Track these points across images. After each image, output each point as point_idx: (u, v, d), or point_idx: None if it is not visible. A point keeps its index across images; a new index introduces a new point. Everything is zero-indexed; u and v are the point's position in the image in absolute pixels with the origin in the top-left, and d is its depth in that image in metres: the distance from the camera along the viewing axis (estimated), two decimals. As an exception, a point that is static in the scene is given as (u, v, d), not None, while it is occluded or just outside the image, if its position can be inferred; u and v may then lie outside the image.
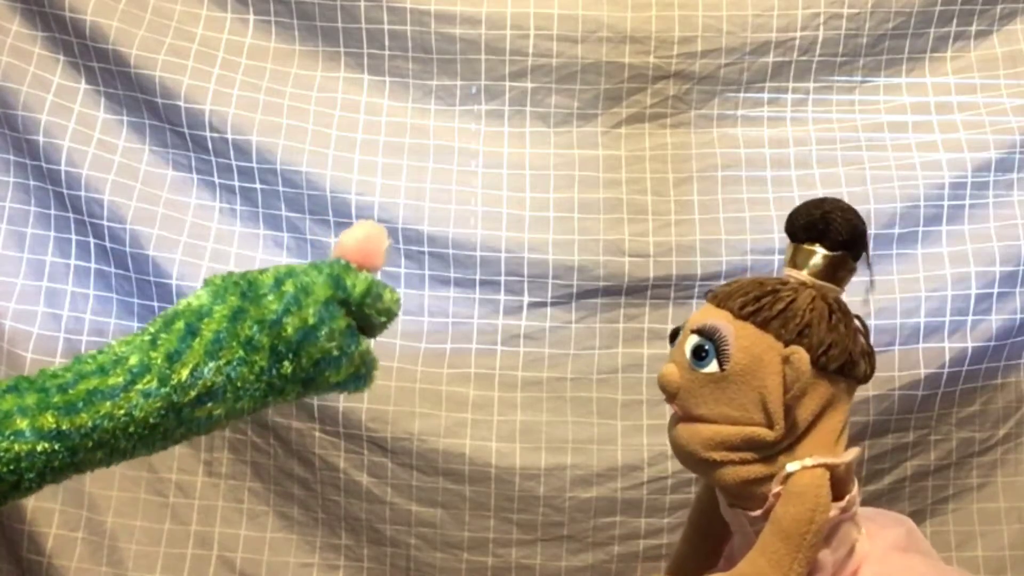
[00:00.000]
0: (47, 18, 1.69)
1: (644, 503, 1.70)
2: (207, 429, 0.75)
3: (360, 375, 0.79)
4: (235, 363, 0.74)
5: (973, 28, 1.72)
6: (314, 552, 1.75)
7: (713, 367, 1.06)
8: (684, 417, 1.09)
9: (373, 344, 0.82)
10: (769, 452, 1.06)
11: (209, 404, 0.73)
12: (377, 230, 0.82)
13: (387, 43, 1.72)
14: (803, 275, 1.10)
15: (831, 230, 1.09)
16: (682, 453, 1.10)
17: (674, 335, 1.12)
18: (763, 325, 1.05)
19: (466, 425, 1.71)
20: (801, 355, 1.03)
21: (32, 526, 1.69)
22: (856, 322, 1.10)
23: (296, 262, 1.78)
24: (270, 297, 0.76)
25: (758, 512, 1.07)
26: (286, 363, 0.75)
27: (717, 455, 1.06)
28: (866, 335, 1.11)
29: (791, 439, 1.05)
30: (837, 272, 1.11)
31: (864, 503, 1.69)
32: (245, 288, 0.77)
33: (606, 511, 1.71)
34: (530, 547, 1.72)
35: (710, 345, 1.06)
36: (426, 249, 1.71)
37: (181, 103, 1.69)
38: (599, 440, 1.71)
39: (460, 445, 1.71)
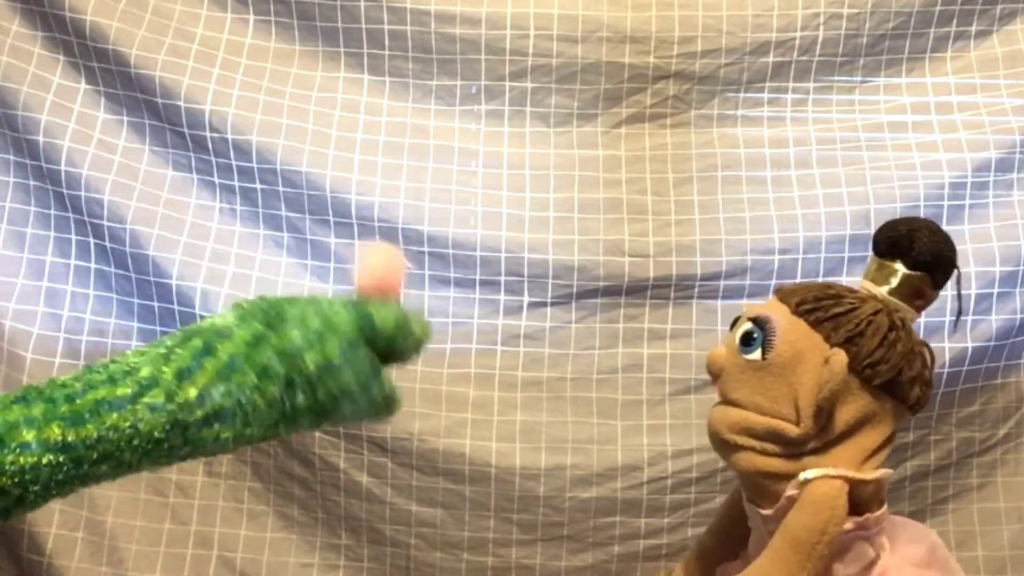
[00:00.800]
0: (47, 18, 1.69)
1: (644, 503, 1.70)
2: (215, 450, 0.74)
3: (378, 409, 0.78)
4: (247, 389, 0.72)
5: (973, 28, 1.72)
6: (314, 552, 1.75)
7: (756, 355, 1.07)
8: (722, 400, 1.11)
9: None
10: (791, 450, 1.05)
11: (217, 426, 0.72)
12: (392, 256, 0.81)
13: (387, 43, 1.72)
14: (876, 289, 1.10)
15: (914, 248, 1.09)
16: (710, 432, 1.11)
17: (735, 322, 1.13)
18: (815, 325, 1.06)
19: (466, 425, 1.71)
20: (840, 357, 1.03)
21: (32, 526, 1.69)
22: (921, 349, 1.09)
23: (296, 262, 1.79)
24: (294, 329, 0.74)
25: (770, 511, 1.07)
26: (300, 395, 0.74)
27: (739, 439, 1.07)
28: (928, 364, 1.10)
29: (820, 443, 1.05)
30: (914, 294, 1.10)
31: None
32: (271, 315, 0.75)
33: (606, 511, 1.71)
34: (530, 547, 1.72)
35: (759, 334, 1.07)
36: (426, 249, 1.71)
37: (181, 103, 1.69)
38: (599, 440, 1.71)
39: (460, 445, 1.71)
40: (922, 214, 1.69)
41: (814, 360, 1.04)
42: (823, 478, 1.03)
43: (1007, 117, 1.70)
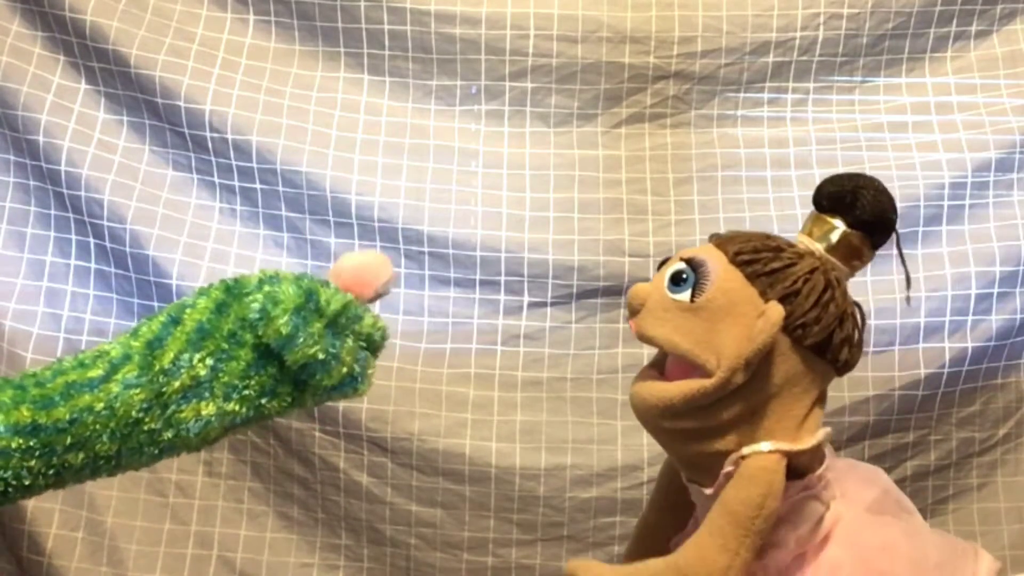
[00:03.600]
0: (47, 18, 1.69)
1: (644, 503, 1.70)
2: (197, 438, 0.72)
3: (354, 375, 0.77)
4: (220, 355, 0.72)
5: (973, 28, 1.72)
6: (314, 552, 1.75)
7: (684, 296, 1.03)
8: (637, 336, 1.06)
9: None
10: (715, 418, 1.01)
11: (196, 401, 0.71)
12: (379, 262, 0.81)
13: (387, 43, 1.72)
14: (815, 245, 1.07)
15: (857, 205, 1.06)
16: (638, 415, 1.08)
17: (663, 263, 1.09)
18: (751, 277, 1.02)
19: (466, 425, 1.71)
20: (777, 309, 0.99)
21: (32, 526, 1.69)
22: (853, 310, 1.06)
23: (296, 262, 1.79)
24: (250, 298, 0.74)
25: (711, 490, 1.05)
26: (272, 361, 0.73)
27: (667, 424, 1.04)
28: (860, 326, 1.07)
29: (749, 407, 1.01)
30: (851, 253, 1.07)
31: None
32: (231, 284, 0.75)
33: (606, 511, 1.71)
34: (530, 547, 1.72)
35: (690, 275, 1.03)
36: (426, 249, 1.71)
37: (181, 103, 1.69)
38: (599, 440, 1.71)
39: (460, 445, 1.71)
40: (922, 214, 1.69)
41: (746, 313, 1.00)
42: (757, 454, 1.00)
43: (1007, 117, 1.70)
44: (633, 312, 1.07)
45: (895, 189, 1.66)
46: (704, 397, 1.01)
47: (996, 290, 1.68)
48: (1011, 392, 1.73)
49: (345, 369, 0.76)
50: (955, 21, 1.71)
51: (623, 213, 1.72)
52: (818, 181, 1.68)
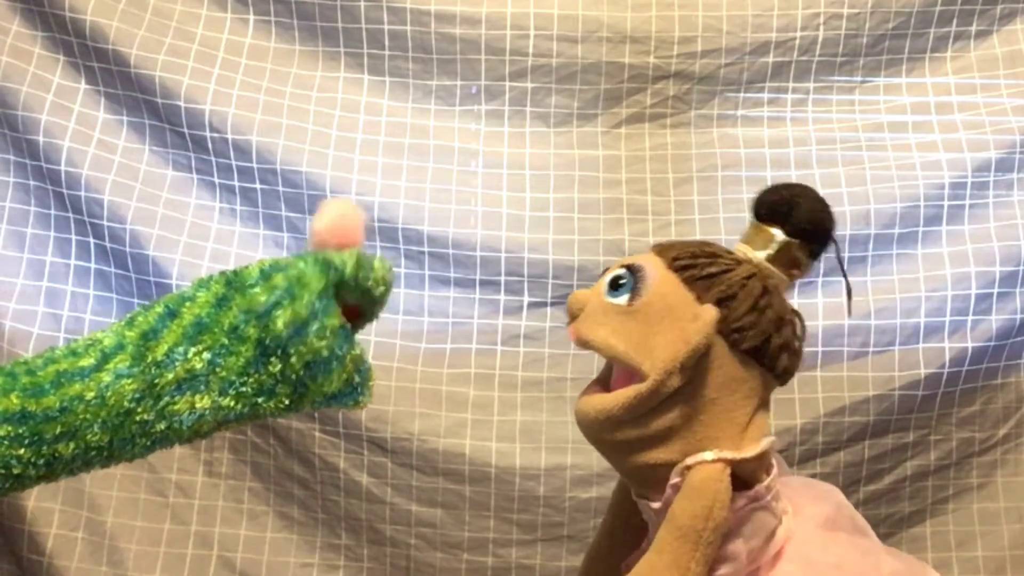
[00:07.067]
0: (47, 18, 1.69)
1: (644, 503, 1.70)
2: (191, 430, 0.70)
3: (355, 384, 0.76)
4: (218, 350, 0.70)
5: (973, 28, 1.72)
6: (314, 552, 1.75)
7: (622, 300, 1.04)
8: (576, 342, 1.07)
9: (372, 347, 0.80)
10: (656, 423, 1.01)
11: (190, 394, 0.69)
12: (348, 209, 0.79)
13: (387, 43, 1.72)
14: (753, 253, 1.07)
15: (794, 214, 1.07)
16: (582, 430, 1.09)
17: (605, 272, 1.10)
18: (688, 282, 1.03)
19: (466, 425, 1.71)
20: (711, 311, 1.00)
21: (32, 526, 1.69)
22: (793, 318, 1.06)
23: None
24: (257, 289, 0.72)
25: (658, 504, 1.04)
26: (274, 359, 0.71)
27: (608, 436, 1.04)
28: (798, 333, 1.07)
29: (690, 409, 1.01)
30: (790, 262, 1.07)
31: (864, 503, 1.70)
32: (231, 277, 0.74)
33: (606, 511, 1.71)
34: (530, 547, 1.72)
35: (629, 280, 1.04)
36: (426, 249, 1.71)
37: (181, 103, 1.69)
38: (599, 440, 1.71)
39: (460, 445, 1.71)
40: (922, 214, 1.69)
41: (682, 316, 1.01)
42: (701, 463, 1.00)
43: (1007, 117, 1.70)
44: (572, 317, 1.08)
45: (895, 189, 1.70)
46: (641, 402, 1.01)
47: (996, 290, 1.68)
48: (1011, 392, 1.73)
49: (346, 375, 0.75)
50: (955, 21, 1.71)
51: (623, 213, 1.72)
52: (818, 181, 1.71)
